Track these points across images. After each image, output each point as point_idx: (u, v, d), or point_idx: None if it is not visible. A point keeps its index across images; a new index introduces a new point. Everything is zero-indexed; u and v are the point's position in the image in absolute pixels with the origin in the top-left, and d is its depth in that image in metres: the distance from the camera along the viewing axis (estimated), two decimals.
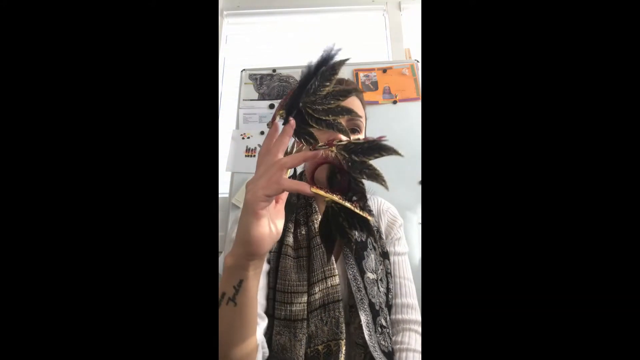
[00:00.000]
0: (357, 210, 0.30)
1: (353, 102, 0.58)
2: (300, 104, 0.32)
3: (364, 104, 0.63)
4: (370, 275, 0.53)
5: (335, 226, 0.32)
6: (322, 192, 0.30)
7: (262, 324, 0.47)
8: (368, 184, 0.33)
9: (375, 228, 0.59)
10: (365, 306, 0.51)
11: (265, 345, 0.47)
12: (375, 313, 0.51)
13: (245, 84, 1.50)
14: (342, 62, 0.33)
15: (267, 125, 0.36)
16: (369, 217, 0.31)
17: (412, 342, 0.53)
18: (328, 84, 0.32)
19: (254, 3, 2.02)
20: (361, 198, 0.31)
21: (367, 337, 0.48)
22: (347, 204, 0.30)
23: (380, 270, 0.56)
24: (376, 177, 0.31)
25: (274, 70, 1.52)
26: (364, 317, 0.49)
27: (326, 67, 0.32)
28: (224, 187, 1.32)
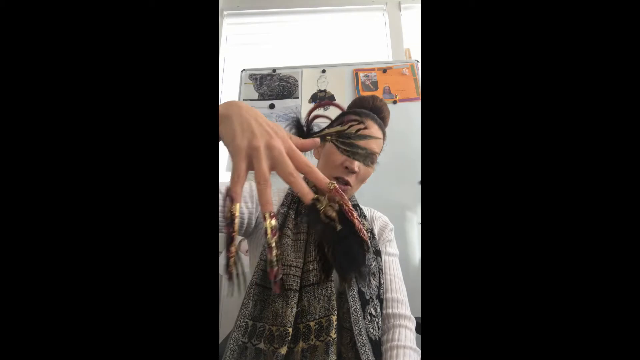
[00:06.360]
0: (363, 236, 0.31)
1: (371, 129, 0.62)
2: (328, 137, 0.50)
3: (382, 128, 0.64)
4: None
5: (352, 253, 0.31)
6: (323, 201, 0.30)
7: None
8: (366, 190, 0.55)
9: (369, 230, 0.64)
10: (354, 293, 0.53)
11: None
12: (364, 301, 0.53)
13: (245, 84, 1.50)
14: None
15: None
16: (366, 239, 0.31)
17: (402, 338, 0.54)
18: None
19: (254, 3, 2.02)
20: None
21: (353, 322, 0.50)
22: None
23: (373, 266, 0.59)
24: (370, 155, 0.48)
25: (274, 70, 1.52)
26: (352, 303, 0.52)
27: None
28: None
